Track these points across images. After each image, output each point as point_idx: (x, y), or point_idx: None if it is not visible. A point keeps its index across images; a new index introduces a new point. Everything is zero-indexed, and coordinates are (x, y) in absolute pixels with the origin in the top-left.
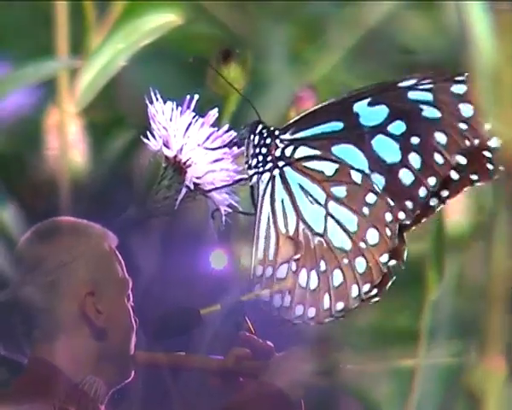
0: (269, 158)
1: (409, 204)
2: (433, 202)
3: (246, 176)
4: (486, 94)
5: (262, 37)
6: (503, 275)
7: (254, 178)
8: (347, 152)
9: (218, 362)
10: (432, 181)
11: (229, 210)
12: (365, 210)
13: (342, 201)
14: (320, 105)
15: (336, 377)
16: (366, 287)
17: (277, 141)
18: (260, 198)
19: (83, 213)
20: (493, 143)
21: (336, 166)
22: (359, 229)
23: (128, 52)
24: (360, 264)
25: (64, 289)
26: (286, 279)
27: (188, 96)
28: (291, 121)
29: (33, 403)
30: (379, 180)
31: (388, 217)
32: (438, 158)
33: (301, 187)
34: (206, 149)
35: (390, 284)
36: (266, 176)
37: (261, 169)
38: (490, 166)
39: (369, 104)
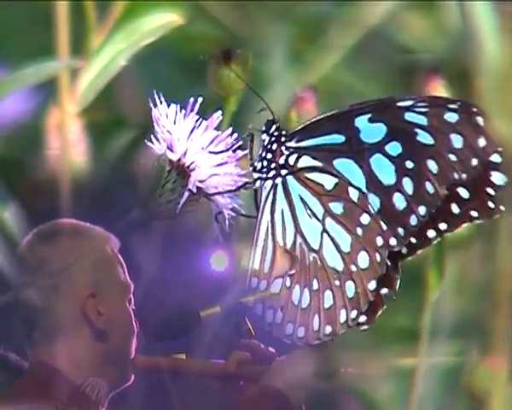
0: (273, 165)
1: (400, 231)
2: (431, 233)
3: (250, 180)
4: (491, 94)
5: (262, 37)
6: (507, 275)
7: (257, 183)
8: (347, 167)
9: (219, 366)
10: (422, 210)
11: (233, 213)
12: (359, 231)
13: (339, 218)
14: (324, 115)
15: (337, 379)
16: (353, 314)
17: (283, 148)
18: (261, 206)
19: (83, 213)
20: (497, 180)
21: (336, 180)
22: (352, 250)
23: (128, 52)
24: (350, 288)
25: (65, 290)
26: (279, 295)
27: (191, 99)
28: (297, 129)
29: (34, 405)
30: (375, 201)
31: (379, 241)
32: (429, 187)
33: (301, 199)
34: (211, 153)
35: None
36: (269, 183)
37: (264, 175)
38: (491, 205)
39: (370, 120)
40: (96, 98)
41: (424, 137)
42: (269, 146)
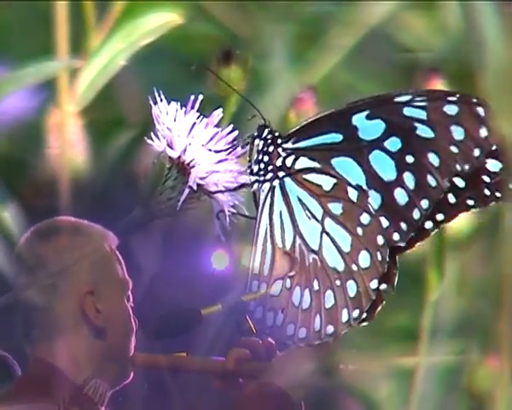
0: (270, 167)
1: (403, 226)
2: (428, 225)
3: (248, 182)
4: (493, 93)
5: (262, 37)
6: (508, 275)
7: (255, 186)
8: (346, 165)
9: (218, 363)
10: (425, 204)
11: (234, 211)
12: (359, 230)
13: (338, 218)
14: (321, 114)
15: (336, 377)
16: (356, 313)
17: (279, 150)
18: (260, 209)
19: (83, 212)
20: (492, 167)
21: (334, 180)
22: (352, 250)
23: (128, 52)
24: (351, 287)
25: (64, 288)
26: (279, 297)
27: (192, 97)
28: (293, 130)
29: (34, 403)
30: (376, 198)
31: (380, 240)
32: (431, 180)
33: (300, 200)
34: (211, 150)
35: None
36: (266, 186)
37: (262, 178)
38: (487, 192)
39: (367, 117)
40: (96, 98)
41: (424, 131)
42: (265, 149)
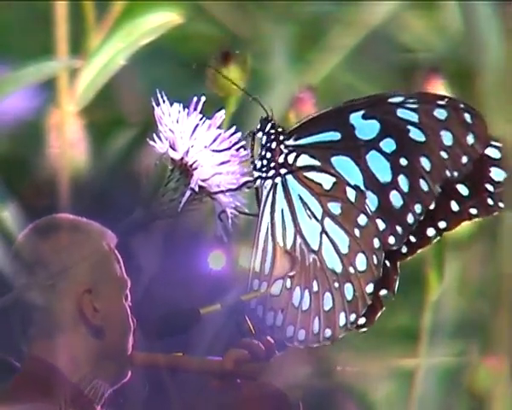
0: (272, 164)
1: (399, 229)
2: (431, 232)
3: (251, 178)
4: (492, 94)
5: (262, 37)
6: (507, 275)
7: (258, 182)
8: (345, 165)
9: (216, 363)
10: (418, 208)
11: (236, 212)
12: (356, 232)
13: (337, 218)
14: (320, 112)
15: (335, 377)
16: (352, 317)
17: (282, 146)
18: (262, 206)
19: (83, 212)
20: (496, 176)
21: (334, 179)
22: (350, 251)
23: (128, 51)
24: (348, 290)
25: (61, 286)
26: (280, 297)
27: (195, 98)
28: (295, 126)
29: (30, 402)
30: (373, 199)
31: (376, 243)
32: (423, 184)
33: (301, 198)
34: (213, 151)
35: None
36: (269, 183)
37: (264, 175)
38: (490, 202)
39: (363, 117)
40: (96, 98)
41: (416, 134)
42: (268, 145)
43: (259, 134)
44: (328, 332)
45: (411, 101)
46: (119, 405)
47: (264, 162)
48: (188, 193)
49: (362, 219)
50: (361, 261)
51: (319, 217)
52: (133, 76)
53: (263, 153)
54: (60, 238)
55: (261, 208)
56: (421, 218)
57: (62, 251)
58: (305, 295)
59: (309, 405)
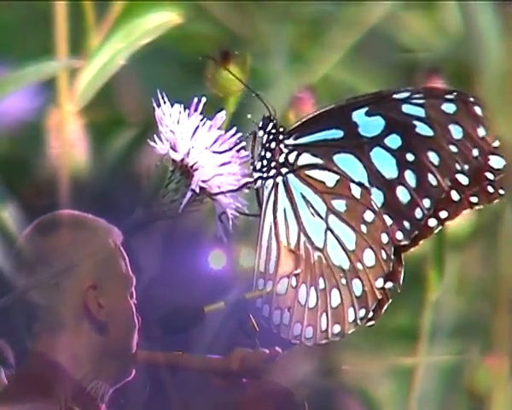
0: (273, 164)
1: (406, 224)
2: (432, 222)
3: (251, 179)
4: (493, 95)
5: (261, 37)
6: (507, 275)
7: (259, 183)
8: (348, 162)
9: (221, 362)
10: (427, 203)
11: (236, 213)
12: (363, 228)
13: (342, 215)
14: (321, 110)
15: (337, 377)
16: (362, 312)
17: (282, 146)
18: (264, 206)
19: (84, 212)
20: (495, 164)
21: (337, 177)
22: (357, 248)
23: (127, 51)
24: (357, 286)
25: (66, 281)
26: (286, 295)
27: (195, 99)
28: (294, 125)
29: (33, 399)
30: (378, 196)
31: (384, 238)
32: (431, 179)
33: (303, 197)
34: (214, 152)
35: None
36: (270, 182)
37: (265, 175)
38: (491, 190)
39: (367, 114)
40: (95, 97)
41: (423, 129)
42: (267, 145)
43: (261, 133)
44: (336, 328)
45: (417, 96)
46: (120, 405)
47: (265, 163)
48: (188, 194)
49: (368, 215)
50: (369, 257)
51: (323, 215)
52: (133, 76)
53: (262, 153)
54: (66, 234)
55: (263, 208)
56: (432, 212)
57: (68, 247)
58: (312, 292)
59: (310, 403)
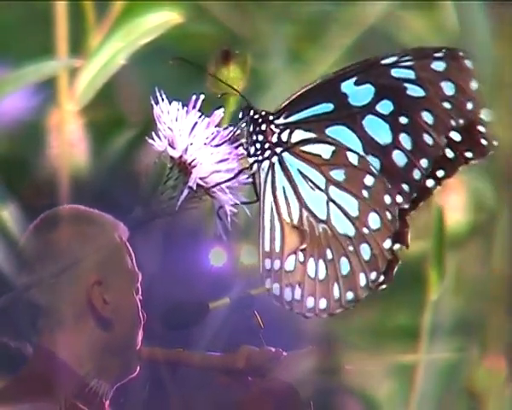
0: (266, 145)
1: (405, 187)
2: (430, 183)
3: (246, 165)
4: (486, 96)
5: (261, 36)
6: (503, 274)
7: (255, 167)
8: (341, 133)
9: (227, 360)
10: (424, 163)
11: (235, 210)
12: (365, 193)
13: (342, 184)
14: (308, 87)
15: (337, 376)
16: (373, 275)
17: (272, 126)
18: (262, 188)
19: None
20: (486, 116)
21: (333, 148)
22: (361, 213)
23: (127, 51)
24: (365, 251)
25: (72, 277)
26: (295, 271)
27: (194, 96)
28: (282, 105)
29: (36, 395)
30: (375, 162)
31: (387, 199)
32: (427, 139)
33: (301, 173)
34: (212, 146)
35: (396, 268)
36: (266, 164)
37: (260, 157)
38: (484, 142)
39: (356, 83)
40: (96, 97)
41: (414, 91)
42: (257, 128)
43: (243, 124)
44: (350, 295)
45: (406, 59)
46: (120, 404)
47: (258, 146)
48: (186, 191)
49: (368, 180)
50: (374, 220)
51: (323, 187)
52: (133, 76)
53: (254, 137)
54: (72, 229)
55: (262, 190)
56: (429, 172)
57: (74, 242)
58: (320, 264)
59: (312, 402)
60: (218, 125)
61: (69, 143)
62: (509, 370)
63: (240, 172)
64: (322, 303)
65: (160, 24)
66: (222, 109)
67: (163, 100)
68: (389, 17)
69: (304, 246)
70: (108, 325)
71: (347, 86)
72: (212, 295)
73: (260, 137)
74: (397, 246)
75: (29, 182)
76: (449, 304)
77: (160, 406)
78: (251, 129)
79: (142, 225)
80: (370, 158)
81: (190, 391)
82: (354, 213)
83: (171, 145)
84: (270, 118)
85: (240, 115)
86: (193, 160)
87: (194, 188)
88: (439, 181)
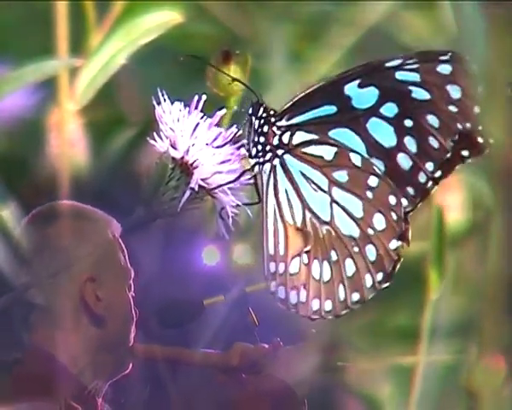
0: (267, 147)
1: (410, 190)
2: (428, 183)
3: (248, 167)
4: (479, 96)
5: (261, 36)
6: (500, 274)
7: (256, 168)
8: (344, 136)
9: (221, 358)
10: (430, 166)
11: (237, 211)
12: (369, 194)
13: (345, 186)
14: (312, 88)
15: (337, 375)
16: (379, 276)
17: (274, 128)
18: (264, 191)
19: None
20: (476, 112)
21: (335, 149)
22: (365, 214)
23: (128, 51)
24: (371, 252)
25: (64, 274)
26: (299, 273)
27: (196, 97)
28: (287, 106)
29: (30, 395)
30: (379, 165)
31: (392, 200)
32: (432, 142)
33: (303, 175)
34: (213, 147)
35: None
36: (267, 166)
37: (261, 160)
38: (480, 140)
39: (360, 86)
40: (96, 97)
41: (419, 94)
42: (259, 129)
43: (253, 119)
44: (355, 296)
45: (411, 62)
46: (121, 404)
47: (259, 147)
48: (188, 192)
49: (372, 181)
50: (379, 221)
51: (326, 188)
52: (133, 75)
53: (256, 139)
54: (64, 225)
55: (264, 193)
56: (435, 175)
57: (67, 238)
58: (325, 266)
59: (310, 402)
60: (219, 126)
61: (69, 143)
62: (508, 370)
63: (242, 173)
64: (328, 305)
65: (160, 24)
66: (224, 110)
67: (165, 100)
68: (390, 17)
69: (308, 248)
70: (101, 321)
71: (351, 89)
72: (207, 294)
73: (262, 139)
74: (398, 243)
75: (29, 181)
76: (450, 305)
77: (159, 404)
78: (252, 130)
79: (144, 225)
80: (374, 160)
81: (190, 389)
82: (358, 214)
83: (173, 146)
84: (273, 120)
85: (250, 111)
86: (195, 161)
87: (196, 189)
88: (436, 181)
